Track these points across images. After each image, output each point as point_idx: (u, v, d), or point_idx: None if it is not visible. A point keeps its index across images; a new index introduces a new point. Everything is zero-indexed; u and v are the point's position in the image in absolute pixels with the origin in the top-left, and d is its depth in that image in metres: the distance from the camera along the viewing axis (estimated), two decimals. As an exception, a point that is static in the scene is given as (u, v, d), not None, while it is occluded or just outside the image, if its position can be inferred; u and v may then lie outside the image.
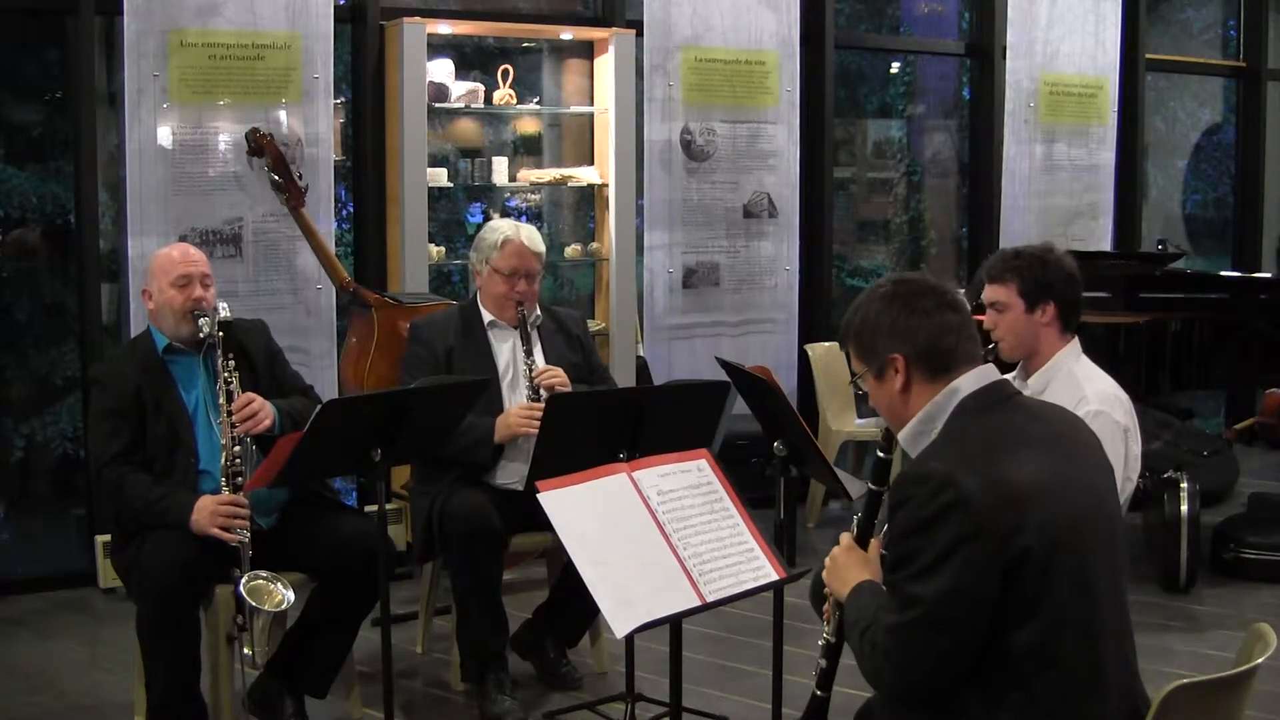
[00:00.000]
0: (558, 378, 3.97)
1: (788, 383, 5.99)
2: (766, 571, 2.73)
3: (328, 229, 5.13)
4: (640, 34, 5.85)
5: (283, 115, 5.11)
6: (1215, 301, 5.42)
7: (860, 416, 6.08)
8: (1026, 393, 3.13)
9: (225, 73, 5.00)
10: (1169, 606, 4.90)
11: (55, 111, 5.56)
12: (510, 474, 3.96)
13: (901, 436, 2.33)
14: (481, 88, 5.63)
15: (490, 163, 5.69)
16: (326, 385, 5.06)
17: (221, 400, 3.52)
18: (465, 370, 3.99)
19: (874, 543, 2.39)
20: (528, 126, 6.23)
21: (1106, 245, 7.35)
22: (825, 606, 2.51)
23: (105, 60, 5.19)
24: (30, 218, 5.52)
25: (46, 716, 3.96)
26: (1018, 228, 6.89)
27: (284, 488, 3.59)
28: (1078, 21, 7.09)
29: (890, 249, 7.78)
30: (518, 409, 3.91)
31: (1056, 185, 7.12)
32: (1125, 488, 3.35)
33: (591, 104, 5.90)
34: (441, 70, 5.53)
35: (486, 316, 4.10)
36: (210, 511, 3.40)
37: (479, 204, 6.22)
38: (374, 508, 3.41)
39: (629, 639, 3.43)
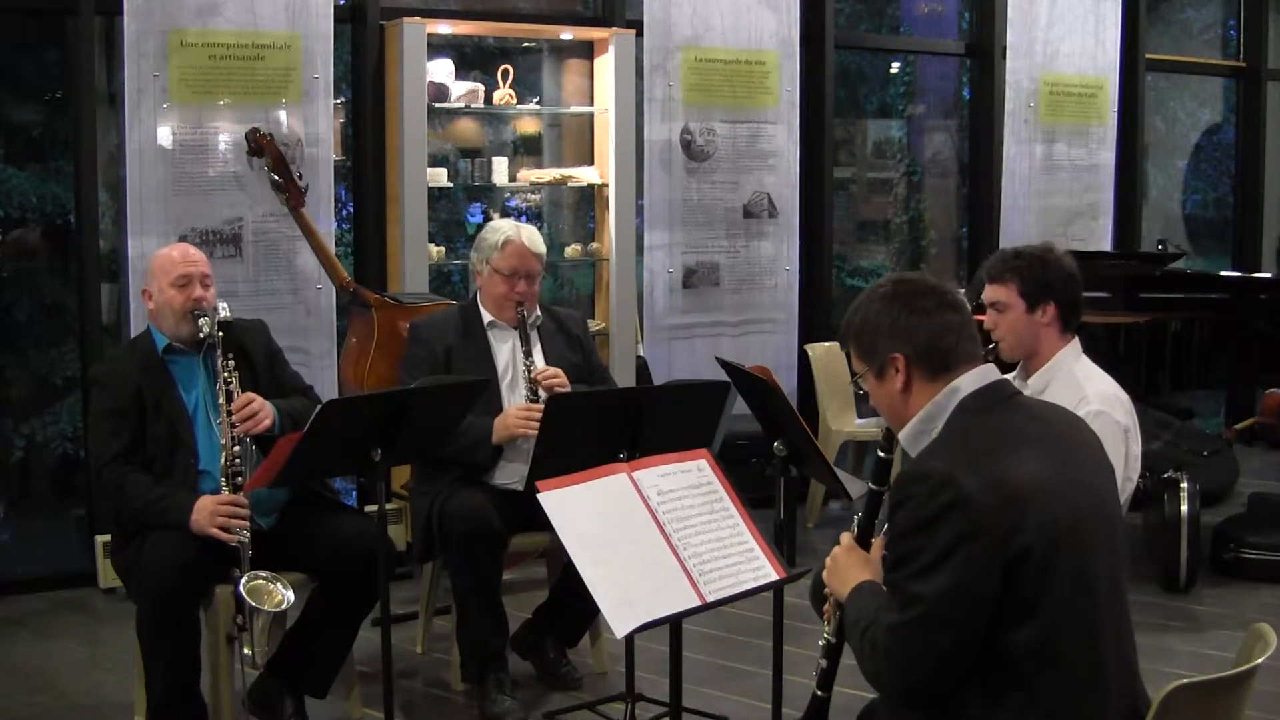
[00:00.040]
0: (557, 378, 3.97)
1: (788, 383, 5.99)
2: (766, 571, 2.73)
3: (328, 229, 5.13)
4: (640, 34, 5.85)
5: (283, 115, 5.11)
6: (1215, 301, 5.42)
7: (860, 416, 6.08)
8: (1027, 393, 3.13)
9: (225, 73, 5.00)
10: (1169, 606, 4.90)
11: (55, 111, 5.56)
12: (510, 474, 3.96)
13: (902, 436, 2.33)
14: (481, 88, 5.63)
15: (490, 163, 5.69)
16: (326, 385, 5.06)
17: (221, 400, 3.52)
18: (464, 370, 3.99)
19: (876, 542, 2.39)
20: (528, 126, 6.23)
21: (1106, 245, 7.35)
22: (826, 606, 2.51)
23: (105, 60, 5.19)
24: (30, 218, 5.52)
25: (46, 716, 3.96)
26: (1018, 228, 6.89)
27: (284, 488, 3.59)
28: (1078, 21, 7.09)
29: (890, 249, 7.78)
30: (516, 410, 3.91)
31: (1056, 185, 7.12)
32: (1125, 488, 3.35)
33: (591, 104, 5.90)
34: (441, 70, 5.53)
35: (486, 317, 4.10)
36: (210, 511, 3.40)
37: (479, 204, 6.22)
38: (374, 508, 3.41)
39: (629, 639, 3.43)
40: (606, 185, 5.78)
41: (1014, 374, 3.53)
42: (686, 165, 6.00)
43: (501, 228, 4.07)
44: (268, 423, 3.55)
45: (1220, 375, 5.39)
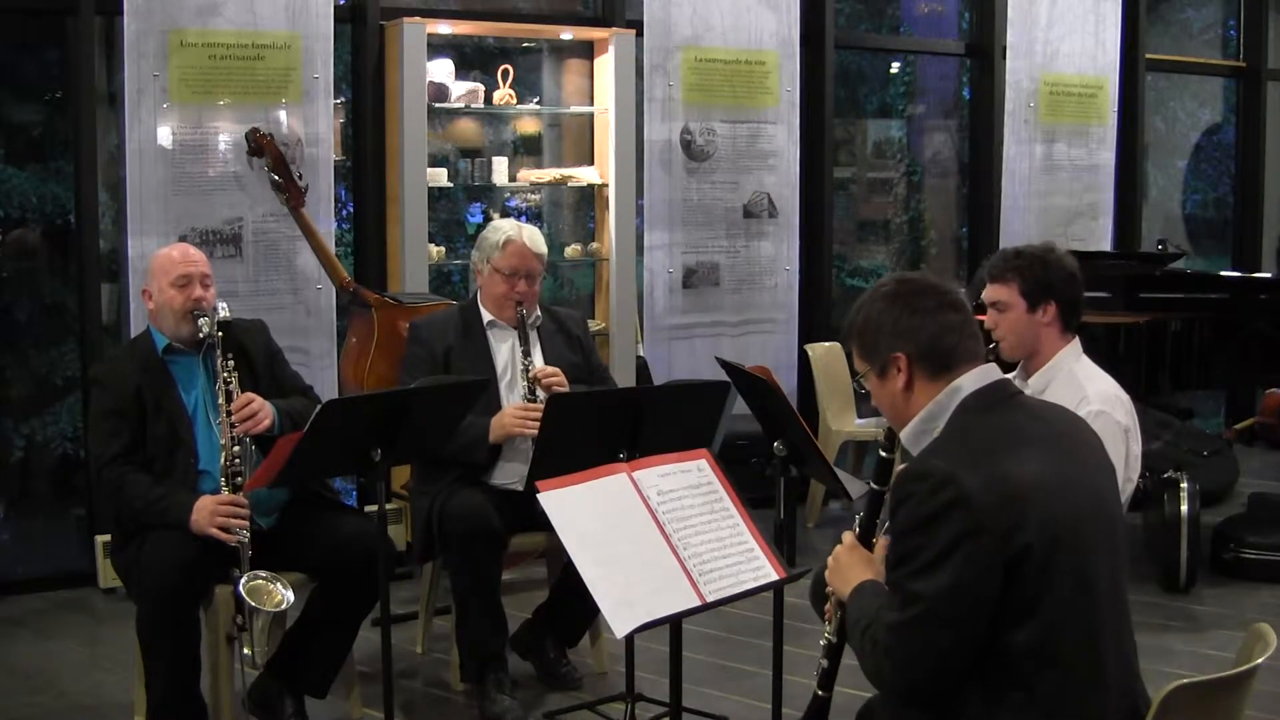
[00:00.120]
0: (555, 378, 3.97)
1: (788, 383, 5.99)
2: (766, 571, 2.72)
3: (328, 229, 5.13)
4: (640, 34, 5.85)
5: (283, 115, 5.11)
6: (1215, 301, 5.42)
7: (860, 416, 6.09)
8: (1027, 392, 3.13)
9: (225, 73, 5.00)
10: (1169, 606, 4.90)
11: (55, 111, 5.56)
12: (509, 474, 3.96)
13: (904, 435, 2.33)
14: (481, 88, 5.63)
15: (490, 163, 5.69)
16: (326, 385, 5.06)
17: (221, 400, 3.52)
18: (463, 370, 3.99)
19: (880, 542, 2.39)
20: (528, 126, 6.23)
21: (1106, 245, 7.35)
22: (827, 606, 2.51)
23: (105, 60, 5.19)
24: (30, 218, 5.52)
25: (46, 716, 3.95)
26: (1018, 228, 6.89)
27: (284, 488, 3.59)
28: (1078, 21, 7.09)
29: (890, 249, 7.78)
30: (513, 409, 3.91)
31: (1056, 185, 7.13)
32: (1125, 488, 3.35)
33: (591, 104, 5.90)
34: (441, 70, 5.53)
35: (486, 316, 4.10)
36: (210, 511, 3.40)
37: (479, 204, 6.22)
38: (374, 508, 3.41)
39: (629, 639, 3.43)
40: (606, 185, 5.78)
41: (1014, 374, 3.53)
42: (686, 165, 6.00)
43: (503, 227, 4.08)
44: (267, 423, 3.55)
45: (1220, 375, 5.39)
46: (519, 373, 4.00)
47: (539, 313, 4.14)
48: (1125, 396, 3.47)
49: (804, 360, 6.18)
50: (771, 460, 3.52)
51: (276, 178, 4.62)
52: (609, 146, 5.73)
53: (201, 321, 3.56)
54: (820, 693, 2.56)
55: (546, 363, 4.06)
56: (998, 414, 2.24)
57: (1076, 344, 3.53)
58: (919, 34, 7.90)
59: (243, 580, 3.34)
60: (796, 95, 6.25)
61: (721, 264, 6.13)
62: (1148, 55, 7.67)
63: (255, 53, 5.04)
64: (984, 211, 7.14)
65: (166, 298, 3.60)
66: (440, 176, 5.53)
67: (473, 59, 6.07)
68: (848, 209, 7.59)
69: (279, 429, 3.55)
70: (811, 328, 6.38)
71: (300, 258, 5.13)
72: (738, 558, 2.71)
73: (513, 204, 6.29)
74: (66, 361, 5.55)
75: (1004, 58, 6.95)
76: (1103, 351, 4.35)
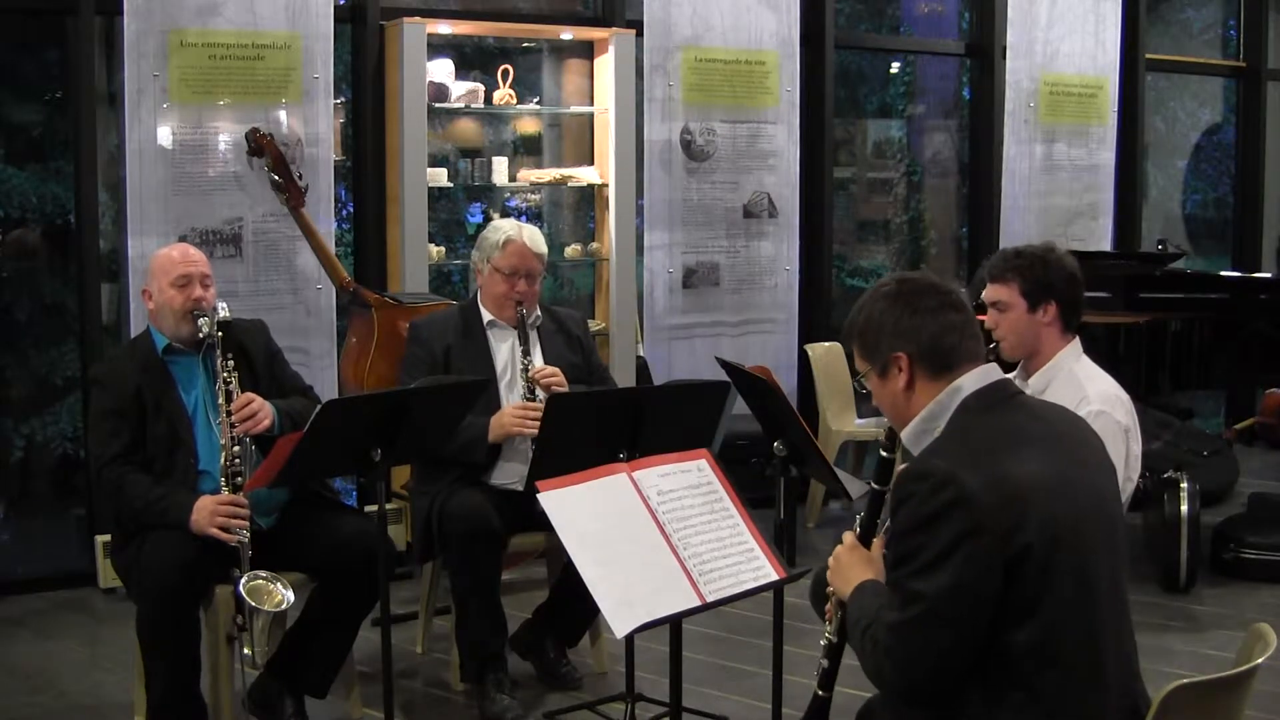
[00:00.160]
0: (554, 378, 3.97)
1: (788, 383, 5.99)
2: (766, 571, 2.72)
3: (328, 229, 5.13)
4: (640, 34, 5.85)
5: (283, 115, 5.11)
6: (1215, 301, 5.42)
7: (860, 416, 6.09)
8: (1027, 392, 3.13)
9: (225, 73, 5.00)
10: (1169, 606, 4.90)
11: (55, 111, 5.56)
12: (508, 474, 3.96)
13: (904, 435, 2.33)
14: (481, 88, 5.63)
15: (490, 163, 5.69)
16: (326, 385, 5.06)
17: (221, 400, 3.52)
18: (463, 370, 4.00)
19: (876, 541, 2.39)
20: (528, 126, 6.23)
21: (1106, 245, 7.35)
22: (827, 606, 2.52)
23: (105, 60, 5.19)
24: (30, 218, 5.52)
25: (46, 716, 3.95)
26: (1018, 228, 6.89)
27: (284, 488, 3.59)
28: (1078, 21, 7.09)
29: (890, 249, 7.78)
30: (512, 408, 3.91)
31: (1056, 185, 7.12)
32: (1125, 488, 3.35)
33: (591, 104, 5.90)
34: (441, 70, 5.53)
35: (486, 316, 4.10)
36: (210, 511, 3.40)
37: (479, 204, 6.22)
38: (374, 508, 3.41)
39: (629, 639, 3.43)
40: (606, 185, 5.78)
41: (1014, 374, 3.52)
42: (686, 165, 6.00)
43: (503, 227, 4.08)
44: (267, 423, 3.55)
45: (1220, 375, 5.39)
46: (519, 373, 4.00)
47: (539, 313, 4.14)
48: (1125, 396, 3.47)
49: (804, 360, 6.18)
50: (771, 460, 3.52)
51: (276, 178, 4.62)
52: (609, 146, 5.73)
53: (201, 321, 3.56)
54: (821, 693, 2.56)
55: (546, 363, 4.06)
56: (999, 414, 2.24)
57: (1077, 344, 3.53)
58: (919, 34, 7.90)
59: (243, 580, 3.34)
60: (796, 95, 6.25)
61: (721, 264, 6.13)
62: (1148, 55, 7.67)
63: (255, 53, 5.04)
64: (984, 211, 7.14)
65: (166, 298, 3.60)
66: (440, 176, 5.53)
67: (473, 59, 6.07)
68: (848, 209, 7.59)
69: (279, 429, 3.55)
70: (811, 328, 6.38)
71: (300, 258, 5.13)
72: (738, 558, 2.71)
73: (513, 204, 6.29)
74: (66, 361, 5.55)
75: (1004, 58, 6.95)
76: (1103, 351, 4.35)
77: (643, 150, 5.88)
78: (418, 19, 5.32)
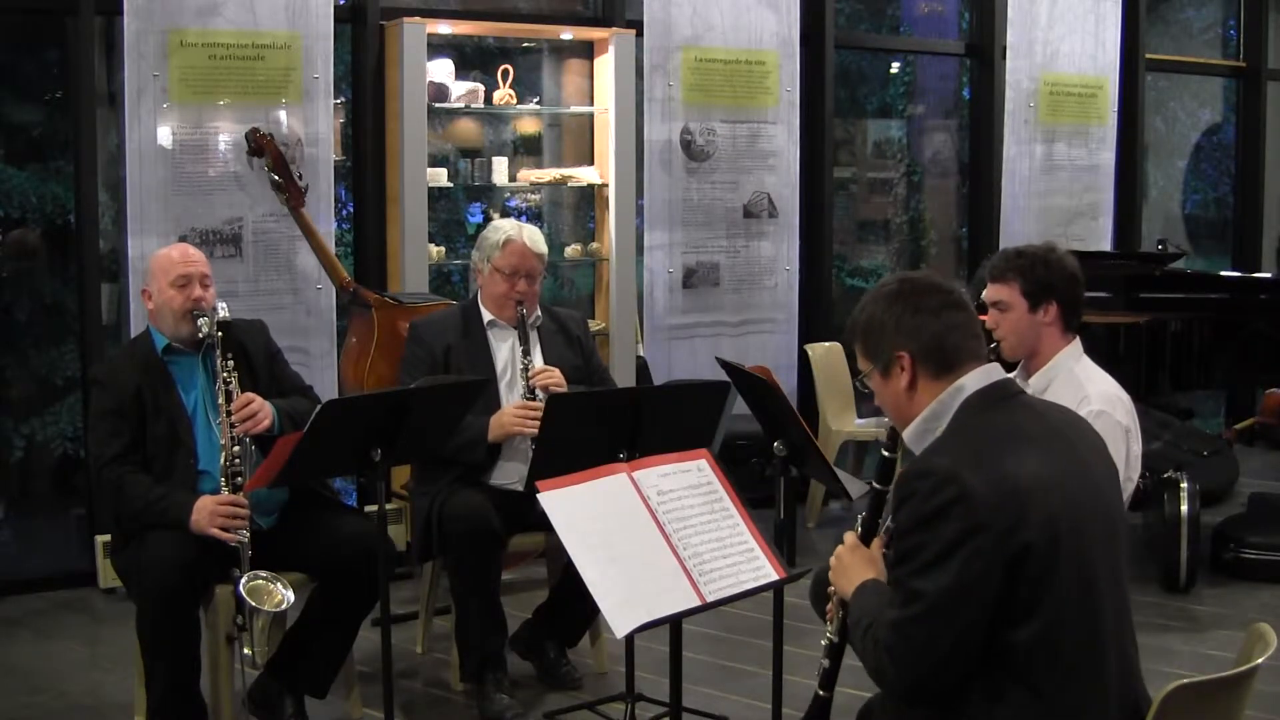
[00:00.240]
0: (553, 378, 3.97)
1: (788, 383, 5.98)
2: (766, 571, 2.72)
3: (328, 229, 5.13)
4: (640, 34, 5.85)
5: (283, 115, 5.11)
6: (1215, 301, 5.42)
7: (860, 416, 6.09)
8: (1028, 392, 3.13)
9: (225, 73, 5.00)
10: (1169, 606, 4.90)
11: (55, 111, 5.56)
12: (508, 474, 3.96)
13: (906, 434, 2.33)
14: (481, 88, 5.63)
15: (490, 163, 5.69)
16: (326, 385, 5.06)
17: (221, 400, 3.52)
18: (463, 369, 4.00)
19: (876, 541, 2.39)
20: (528, 126, 6.23)
21: (1106, 245, 7.35)
22: (828, 606, 2.51)
23: (105, 60, 5.19)
24: (30, 218, 5.52)
25: (46, 716, 3.95)
26: (1018, 228, 6.89)
27: (284, 488, 3.59)
28: (1078, 21, 7.10)
29: (890, 249, 7.78)
30: (512, 408, 3.91)
31: (1056, 185, 7.13)
32: (1126, 487, 3.35)
33: (591, 104, 5.90)
34: (441, 70, 5.53)
35: (486, 316, 4.10)
36: (210, 511, 3.40)
37: (479, 204, 6.22)
38: (374, 508, 3.41)
39: (629, 639, 3.43)
40: (606, 185, 5.78)
41: (1015, 373, 3.52)
42: (686, 165, 6.00)
43: (503, 227, 4.08)
44: (267, 423, 3.55)
45: (1220, 375, 5.39)
46: (519, 373, 4.00)
47: (539, 312, 4.14)
48: (1126, 396, 3.47)
49: (804, 360, 6.18)
50: (771, 460, 3.52)
51: (276, 178, 4.62)
52: (609, 146, 5.73)
53: (201, 321, 3.56)
54: (821, 693, 2.56)
55: (546, 363, 4.06)
56: (1000, 413, 2.24)
57: (1077, 344, 3.53)
58: (919, 34, 7.90)
59: (243, 580, 3.34)
60: (796, 95, 6.25)
61: (721, 264, 6.13)
62: (1148, 55, 7.67)
63: (255, 53, 5.04)
64: (984, 211, 7.14)
65: (166, 298, 3.60)
66: (440, 176, 5.53)
67: (473, 59, 6.07)
68: (848, 209, 7.59)
69: (279, 429, 3.55)
70: (811, 328, 6.38)
71: (300, 258, 5.13)
72: (738, 558, 2.71)
73: (513, 204, 6.28)
74: (66, 361, 5.55)
75: (1004, 58, 6.95)
76: (1103, 351, 4.35)
77: (643, 150, 5.88)
78: (418, 19, 5.32)
